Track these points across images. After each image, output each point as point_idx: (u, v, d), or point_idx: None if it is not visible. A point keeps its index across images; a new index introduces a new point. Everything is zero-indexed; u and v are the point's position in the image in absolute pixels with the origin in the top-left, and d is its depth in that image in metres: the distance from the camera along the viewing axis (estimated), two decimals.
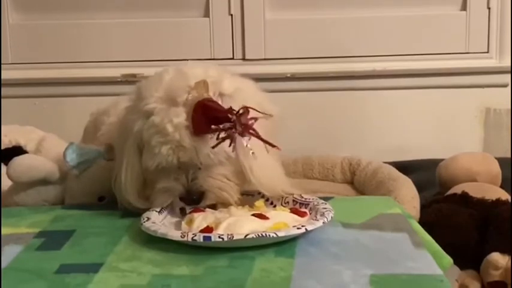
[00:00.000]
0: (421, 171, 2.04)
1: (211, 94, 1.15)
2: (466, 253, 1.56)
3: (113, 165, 1.25)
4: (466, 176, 1.81)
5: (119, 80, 2.31)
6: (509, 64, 2.30)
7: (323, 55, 2.33)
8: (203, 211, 1.14)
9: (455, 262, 1.31)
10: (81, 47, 2.35)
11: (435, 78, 2.33)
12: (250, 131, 1.10)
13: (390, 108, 2.36)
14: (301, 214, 1.13)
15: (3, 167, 1.39)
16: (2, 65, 2.31)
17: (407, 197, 1.66)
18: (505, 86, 2.33)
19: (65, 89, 2.35)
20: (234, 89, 1.18)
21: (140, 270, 0.99)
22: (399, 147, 2.32)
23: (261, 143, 1.12)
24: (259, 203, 1.17)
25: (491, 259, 1.56)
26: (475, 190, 1.72)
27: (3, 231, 1.16)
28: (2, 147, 1.69)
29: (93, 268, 0.99)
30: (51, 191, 1.34)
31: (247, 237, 1.01)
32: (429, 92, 2.35)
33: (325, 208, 1.14)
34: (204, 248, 1.04)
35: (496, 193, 1.73)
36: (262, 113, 1.12)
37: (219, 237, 1.02)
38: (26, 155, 1.50)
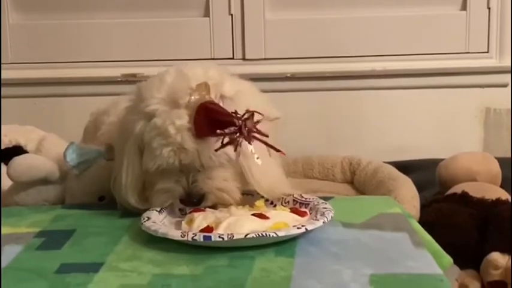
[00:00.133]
0: (421, 171, 2.04)
1: (213, 96, 1.15)
2: (466, 253, 1.56)
3: (113, 165, 1.26)
4: (466, 176, 1.81)
5: (119, 79, 2.31)
6: (509, 64, 2.30)
7: (323, 55, 2.33)
8: (203, 211, 1.14)
9: (455, 262, 1.32)
10: (81, 47, 2.35)
11: (435, 78, 2.33)
12: (255, 135, 1.10)
13: (390, 108, 2.36)
14: (301, 214, 1.13)
15: (4, 167, 1.39)
16: (2, 65, 2.31)
17: (407, 196, 1.66)
18: (505, 85, 2.33)
19: (65, 89, 2.35)
20: (235, 92, 1.18)
21: (140, 269, 0.99)
22: (399, 147, 2.32)
23: (262, 146, 1.12)
24: (260, 202, 1.17)
25: (491, 259, 1.56)
26: (475, 190, 1.72)
27: (3, 231, 1.16)
28: (2, 147, 1.69)
29: (94, 268, 0.99)
30: (51, 191, 1.34)
31: (248, 236, 1.01)
32: (429, 91, 2.35)
33: (325, 208, 1.14)
34: (204, 248, 1.04)
35: (496, 193, 1.73)
36: (265, 117, 1.12)
37: (219, 236, 1.02)
38: (26, 154, 1.50)
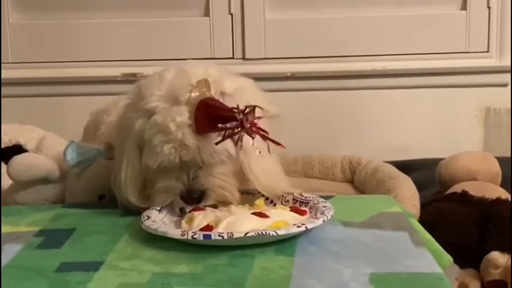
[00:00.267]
0: (421, 170, 2.04)
1: (213, 93, 1.15)
2: (465, 252, 1.57)
3: (113, 163, 1.25)
4: (466, 175, 1.81)
5: (119, 79, 2.31)
6: (509, 63, 2.30)
7: (323, 54, 2.34)
8: (203, 210, 1.14)
9: (455, 261, 1.31)
10: (81, 47, 2.35)
11: (435, 77, 2.34)
12: (256, 129, 1.10)
13: (390, 108, 2.36)
14: (301, 212, 1.13)
15: (4, 166, 1.39)
16: (2, 64, 2.31)
17: (407, 195, 1.66)
18: (505, 85, 2.33)
19: (65, 88, 2.35)
20: (235, 89, 1.19)
21: (140, 268, 0.99)
22: (399, 146, 2.32)
23: (263, 141, 1.12)
24: (260, 201, 1.17)
25: (491, 258, 1.56)
26: (475, 189, 1.72)
27: (3, 230, 1.16)
28: (2, 146, 1.69)
29: (93, 266, 0.99)
30: (51, 190, 1.34)
31: (247, 235, 1.01)
32: (429, 91, 2.35)
33: (325, 207, 1.14)
34: (204, 246, 1.04)
35: (496, 192, 1.73)
36: (266, 113, 1.13)
37: (219, 235, 1.02)
38: (26, 153, 1.50)
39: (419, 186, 1.75)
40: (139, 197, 1.20)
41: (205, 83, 1.14)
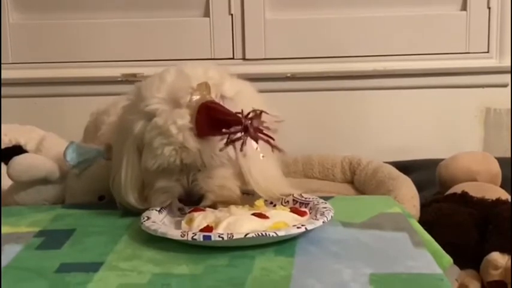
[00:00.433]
0: (421, 171, 2.04)
1: (213, 96, 1.15)
2: (465, 252, 1.57)
3: (112, 164, 1.25)
4: (466, 176, 1.82)
5: (119, 79, 2.31)
6: (509, 64, 2.30)
7: (323, 55, 2.34)
8: (203, 210, 1.14)
9: (455, 261, 1.31)
10: (81, 47, 2.35)
11: (435, 78, 2.34)
12: (261, 134, 1.10)
13: (390, 108, 2.36)
14: (301, 213, 1.13)
15: (4, 166, 1.39)
16: (2, 65, 2.31)
17: (407, 196, 1.66)
18: (505, 86, 2.34)
19: (65, 89, 2.35)
20: (235, 92, 1.19)
21: (140, 269, 0.99)
22: (399, 147, 2.32)
23: (265, 145, 1.12)
24: (259, 202, 1.17)
25: (491, 258, 1.56)
26: (475, 190, 1.72)
27: (3, 230, 1.16)
28: (2, 147, 1.69)
29: (93, 267, 0.99)
30: (51, 190, 1.34)
31: (247, 236, 1.01)
32: (429, 91, 2.35)
33: (325, 207, 1.14)
34: (204, 247, 1.04)
35: (496, 193, 1.73)
36: (271, 118, 1.13)
37: (219, 236, 1.02)
38: (26, 154, 1.50)
39: (419, 187, 1.75)
40: (138, 198, 1.20)
41: (205, 86, 1.14)
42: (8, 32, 2.35)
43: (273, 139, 1.13)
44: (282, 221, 1.08)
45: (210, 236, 1.02)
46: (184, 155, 1.13)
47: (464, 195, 1.71)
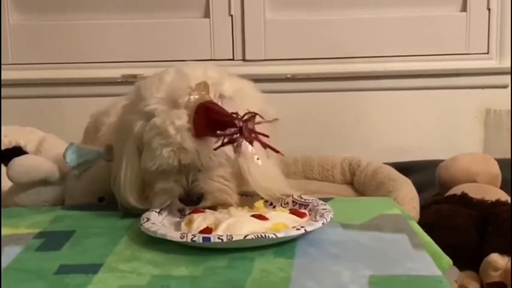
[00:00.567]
0: (420, 172, 2.04)
1: (212, 96, 1.15)
2: (465, 254, 1.57)
3: (113, 165, 1.25)
4: (466, 177, 1.81)
5: (119, 80, 2.31)
6: (509, 65, 2.30)
7: (323, 56, 2.33)
8: (203, 212, 1.14)
9: (455, 263, 1.32)
10: (81, 48, 2.35)
11: (435, 79, 2.33)
12: (256, 136, 1.10)
13: (390, 109, 2.36)
14: (301, 215, 1.13)
15: (3, 168, 1.39)
16: (2, 66, 2.31)
17: (407, 197, 1.66)
18: (505, 87, 2.33)
19: (65, 90, 2.35)
20: (234, 91, 1.19)
21: (140, 270, 0.99)
22: (399, 147, 2.32)
23: (259, 147, 1.12)
24: (259, 203, 1.17)
25: (490, 260, 1.56)
26: (475, 191, 1.72)
27: (3, 232, 1.16)
28: (2, 148, 1.69)
29: (93, 269, 0.99)
30: (51, 192, 1.34)
31: (247, 238, 1.01)
32: (429, 92, 2.35)
33: (324, 209, 1.14)
34: (203, 249, 1.04)
35: (496, 194, 1.73)
36: (265, 119, 1.13)
37: (219, 238, 1.02)
38: (26, 155, 1.50)
39: (419, 188, 1.75)
40: (138, 199, 1.20)
41: (204, 85, 1.14)
42: (8, 33, 2.35)
43: (267, 136, 1.12)
44: (281, 223, 1.08)
45: (209, 238, 1.02)
46: (182, 155, 1.13)
47: (464, 196, 1.71)
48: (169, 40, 2.34)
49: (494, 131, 2.37)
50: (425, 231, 1.24)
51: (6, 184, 1.37)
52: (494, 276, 1.56)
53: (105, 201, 1.32)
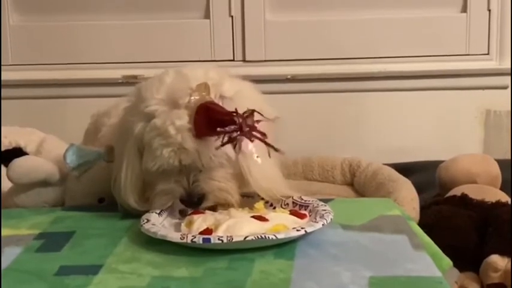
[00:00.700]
0: (421, 173, 2.04)
1: (213, 96, 1.15)
2: (465, 255, 1.57)
3: (113, 166, 1.25)
4: (466, 178, 1.81)
5: (120, 81, 2.31)
6: (510, 66, 2.30)
7: (323, 57, 2.34)
8: (203, 213, 1.14)
9: (455, 264, 1.31)
10: (81, 49, 2.35)
11: (435, 80, 2.34)
12: (256, 133, 1.10)
13: (390, 110, 2.36)
14: (301, 216, 1.13)
15: (3, 169, 1.39)
16: (2, 66, 2.31)
17: (407, 198, 1.66)
18: (505, 87, 2.34)
19: (66, 91, 2.35)
20: (234, 92, 1.19)
21: (140, 271, 0.99)
22: (399, 148, 2.32)
23: (262, 145, 1.12)
24: (259, 204, 1.17)
25: (490, 261, 1.56)
26: (475, 192, 1.72)
27: (3, 233, 1.16)
28: (2, 149, 1.69)
29: (93, 270, 0.99)
30: (51, 193, 1.34)
31: (247, 239, 1.01)
32: (429, 93, 2.35)
33: (324, 210, 1.14)
34: (203, 250, 1.04)
35: (496, 195, 1.73)
36: (265, 117, 1.13)
37: (219, 239, 1.02)
38: (26, 156, 1.50)
39: (419, 189, 1.75)
40: (138, 200, 1.20)
41: (204, 86, 1.14)
42: (8, 34, 2.35)
43: (266, 136, 1.12)
44: (281, 224, 1.08)
45: (209, 239, 1.02)
46: (183, 156, 1.13)
47: (464, 197, 1.71)
48: (169, 41, 2.34)
49: (494, 132, 2.37)
50: (426, 232, 1.24)
51: (7, 185, 1.37)
52: (494, 277, 1.56)
53: (105, 202, 1.32)
